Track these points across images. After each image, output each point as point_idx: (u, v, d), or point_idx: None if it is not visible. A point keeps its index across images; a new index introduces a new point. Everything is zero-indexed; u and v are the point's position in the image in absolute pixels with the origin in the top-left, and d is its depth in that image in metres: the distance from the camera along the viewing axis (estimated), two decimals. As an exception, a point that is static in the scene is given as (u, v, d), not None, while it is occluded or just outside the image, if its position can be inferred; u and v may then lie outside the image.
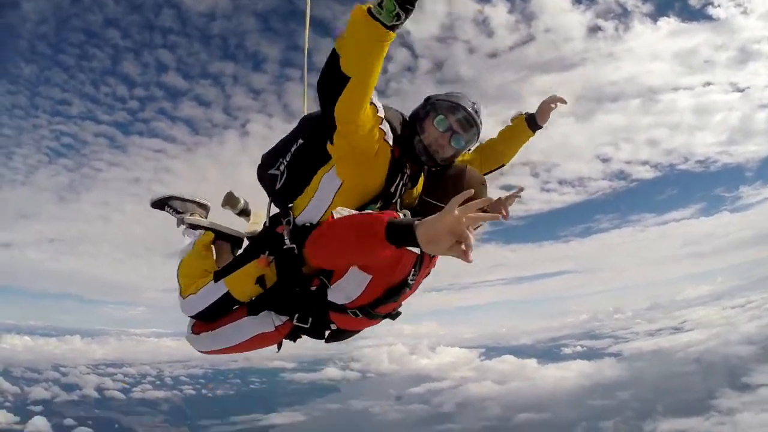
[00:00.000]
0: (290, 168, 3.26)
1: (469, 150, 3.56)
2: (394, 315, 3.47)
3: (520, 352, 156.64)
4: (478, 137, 3.28)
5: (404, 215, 2.86)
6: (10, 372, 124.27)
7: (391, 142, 3.03)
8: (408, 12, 2.41)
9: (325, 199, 3.04)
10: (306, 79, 3.99)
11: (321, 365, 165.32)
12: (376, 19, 2.40)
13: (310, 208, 3.13)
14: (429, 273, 3.41)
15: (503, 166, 4.02)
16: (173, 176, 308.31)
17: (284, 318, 3.29)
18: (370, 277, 2.96)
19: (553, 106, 3.83)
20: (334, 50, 2.57)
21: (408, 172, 3.20)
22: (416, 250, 2.55)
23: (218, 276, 3.31)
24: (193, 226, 4.03)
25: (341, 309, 3.17)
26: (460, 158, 3.52)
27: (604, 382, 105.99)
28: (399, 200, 3.21)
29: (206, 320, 3.46)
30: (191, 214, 4.16)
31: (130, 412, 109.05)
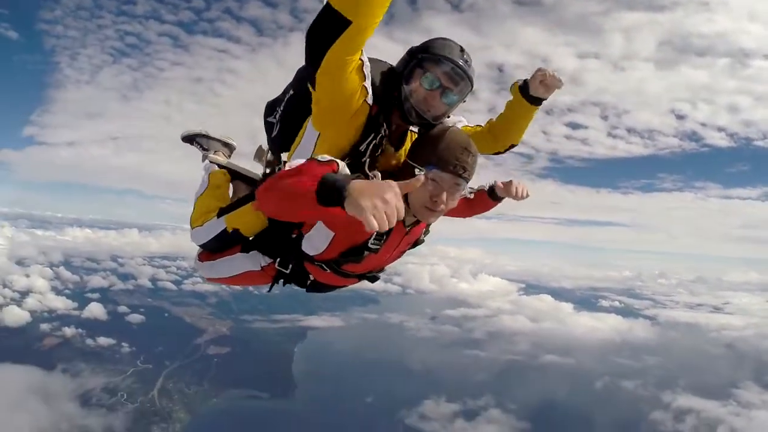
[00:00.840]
0: (283, 117, 3.38)
1: (464, 101, 3.11)
2: (370, 277, 3.53)
3: (558, 294, 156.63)
4: (471, 88, 2.99)
5: (374, 176, 2.77)
6: (71, 262, 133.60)
7: (370, 102, 2.89)
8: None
9: (308, 147, 3.04)
10: None
11: None
12: None
13: (295, 157, 3.15)
14: (410, 243, 3.40)
15: (514, 145, 3.71)
16: (235, 76, 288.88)
17: (269, 260, 3.47)
18: (333, 234, 2.97)
19: (542, 78, 3.25)
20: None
21: (386, 132, 3.02)
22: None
23: (221, 213, 3.56)
24: (214, 164, 4.18)
25: (312, 260, 3.22)
26: (471, 130, 3.62)
27: (634, 342, 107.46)
28: (369, 160, 3.01)
29: (209, 251, 3.74)
30: (215, 152, 4.38)
31: (180, 303, 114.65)
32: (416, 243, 3.52)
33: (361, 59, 2.72)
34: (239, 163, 4.31)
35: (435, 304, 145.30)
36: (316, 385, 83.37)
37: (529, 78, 3.32)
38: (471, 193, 3.88)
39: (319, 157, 2.49)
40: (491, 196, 3.80)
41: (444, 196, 2.75)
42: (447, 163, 2.74)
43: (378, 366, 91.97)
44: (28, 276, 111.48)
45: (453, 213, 3.50)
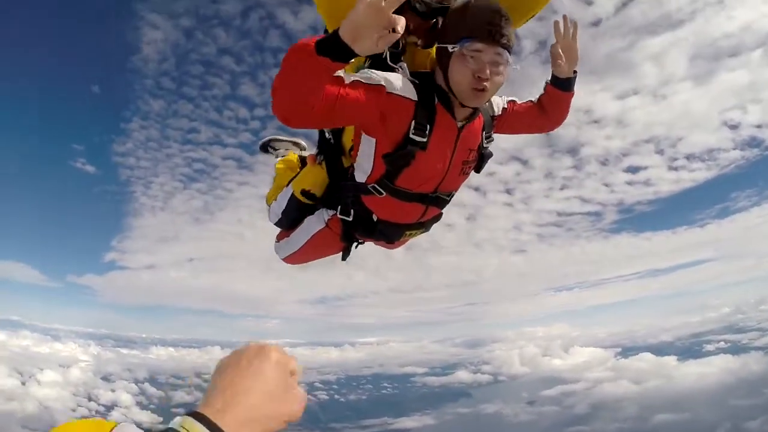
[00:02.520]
0: None
1: None
2: (435, 199, 3.12)
3: (658, 350, 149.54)
4: None
5: (399, 68, 2.83)
6: (156, 379, 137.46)
7: None
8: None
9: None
10: None
11: (452, 369, 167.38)
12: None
13: None
14: (482, 157, 3.13)
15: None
16: None
17: (331, 212, 3.34)
18: (374, 139, 2.80)
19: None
20: None
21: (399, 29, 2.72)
22: (405, 94, 2.64)
23: (289, 182, 3.59)
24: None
25: (368, 190, 3.02)
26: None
27: (750, 378, 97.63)
28: (388, 54, 2.86)
29: (284, 227, 3.74)
30: (286, 150, 4.60)
31: None
32: (482, 158, 3.15)
33: None
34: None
35: (530, 386, 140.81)
36: None
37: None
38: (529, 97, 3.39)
39: None
40: (559, 86, 3.16)
41: (487, 69, 2.54)
42: (480, 31, 2.52)
43: None
44: (113, 391, 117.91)
45: (527, 124, 3.38)
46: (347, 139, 3.14)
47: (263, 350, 1.37)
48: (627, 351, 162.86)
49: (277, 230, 3.89)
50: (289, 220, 3.61)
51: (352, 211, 3.15)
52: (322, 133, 3.33)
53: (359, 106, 2.51)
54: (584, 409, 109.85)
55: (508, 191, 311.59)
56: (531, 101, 3.33)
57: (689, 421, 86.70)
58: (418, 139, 2.72)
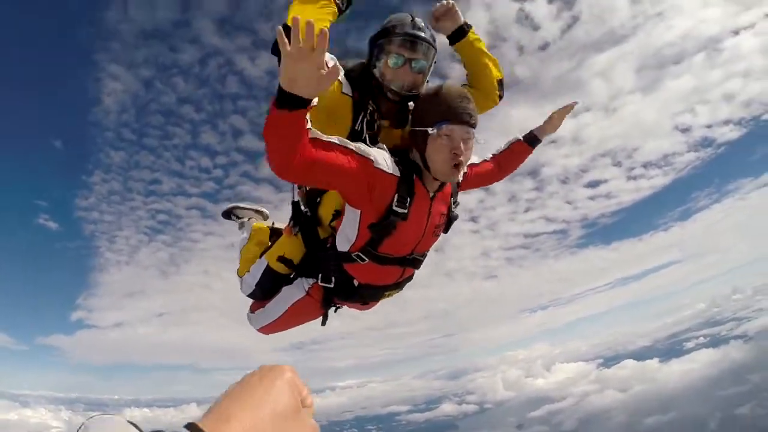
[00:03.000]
0: None
1: (435, 62, 3.21)
2: (412, 261, 3.31)
3: (639, 355, 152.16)
4: (434, 47, 3.09)
5: (380, 148, 2.93)
6: None
7: (349, 92, 3.04)
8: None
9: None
10: None
11: (435, 403, 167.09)
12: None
13: None
14: (450, 219, 3.34)
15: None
16: None
17: (311, 281, 3.42)
18: (359, 211, 2.96)
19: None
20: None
21: (373, 107, 3.14)
22: (389, 170, 2.83)
23: (262, 254, 3.64)
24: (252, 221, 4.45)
25: (350, 258, 3.18)
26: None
27: (733, 367, 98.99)
28: (367, 136, 3.10)
29: (259, 298, 3.72)
30: (249, 219, 4.61)
31: None
32: (450, 220, 3.42)
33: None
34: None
35: (517, 410, 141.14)
36: None
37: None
38: (498, 151, 3.81)
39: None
40: (530, 142, 3.77)
41: (461, 146, 2.86)
42: (453, 114, 2.87)
43: None
44: None
45: (484, 181, 3.72)
46: (324, 212, 3.26)
47: (277, 367, 1.17)
48: (609, 361, 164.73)
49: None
50: (263, 292, 3.65)
51: (333, 278, 3.34)
52: (296, 205, 3.41)
53: (349, 171, 2.74)
54: (573, 425, 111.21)
55: (473, 219, 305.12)
56: (487, 161, 3.68)
57: (679, 419, 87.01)
58: (400, 210, 2.96)
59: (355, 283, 3.39)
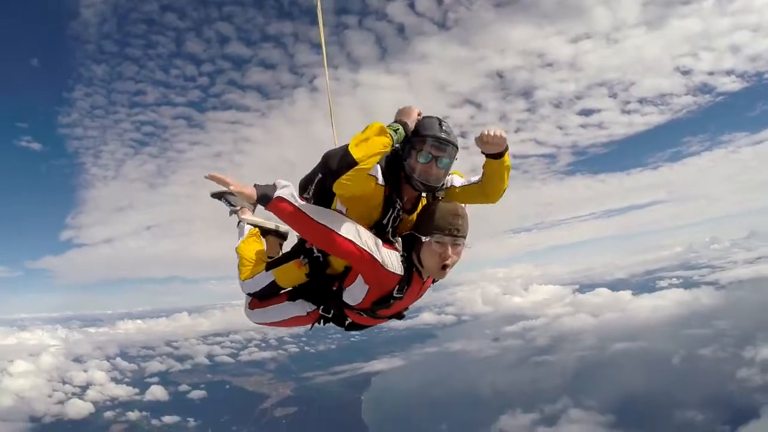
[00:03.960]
0: (315, 197, 3.96)
1: (456, 159, 3.76)
2: (399, 316, 4.18)
3: (614, 286, 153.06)
4: (456, 149, 3.68)
5: (396, 241, 3.66)
6: (127, 353, 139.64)
7: (382, 183, 3.61)
8: (406, 137, 3.56)
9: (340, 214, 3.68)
10: (331, 102, 4.79)
11: (416, 312, 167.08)
12: (389, 135, 3.41)
13: None
14: (427, 288, 4.04)
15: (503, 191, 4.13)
16: (251, 144, 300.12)
17: (313, 307, 4.10)
18: (368, 287, 3.65)
19: (485, 140, 3.65)
20: (346, 150, 3.37)
21: (400, 205, 3.76)
22: (395, 271, 3.51)
23: (269, 267, 4.22)
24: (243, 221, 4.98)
25: (351, 308, 3.88)
26: (464, 190, 4.07)
27: (701, 311, 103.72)
28: (391, 229, 3.79)
29: (259, 299, 4.36)
30: (241, 208, 5.03)
31: (239, 374, 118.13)
32: (400, 316, 4.19)
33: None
34: (266, 218, 4.99)
35: (493, 324, 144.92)
36: (388, 428, 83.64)
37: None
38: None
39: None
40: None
41: (449, 253, 3.47)
42: (443, 229, 3.44)
43: (447, 395, 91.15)
44: (86, 371, 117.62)
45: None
46: (336, 264, 3.91)
47: None
48: (584, 287, 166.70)
49: None
50: (265, 297, 4.33)
51: (332, 312, 4.07)
52: (303, 242, 4.11)
53: (365, 266, 3.50)
54: (546, 342, 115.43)
55: (462, 135, 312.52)
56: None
57: (645, 350, 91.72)
58: (398, 295, 3.69)
59: (348, 319, 4.10)
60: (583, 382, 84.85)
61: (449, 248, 3.49)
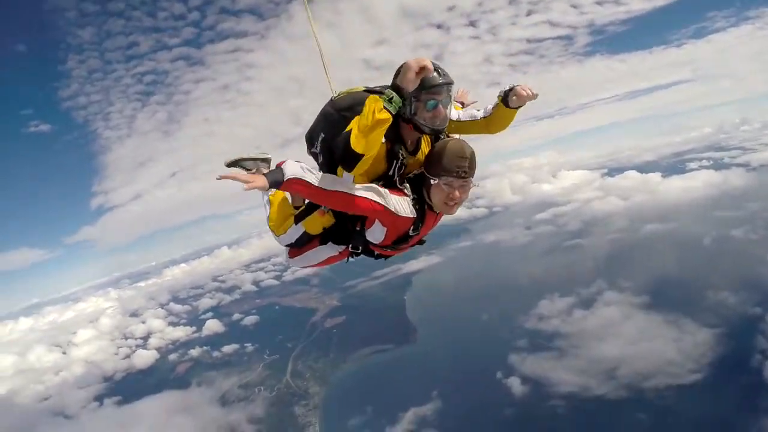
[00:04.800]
0: (322, 153, 4.13)
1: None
2: (420, 242, 4.48)
3: (643, 168, 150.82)
4: (453, 86, 3.83)
5: (404, 188, 3.95)
6: (178, 296, 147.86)
7: (382, 141, 3.74)
8: (403, 100, 3.51)
9: (348, 177, 3.87)
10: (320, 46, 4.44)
11: None
12: (388, 111, 3.44)
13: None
14: (442, 216, 4.25)
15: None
16: (256, 69, 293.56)
17: (343, 246, 4.50)
18: (386, 229, 4.00)
19: (525, 95, 4.00)
20: (348, 143, 3.52)
21: (404, 155, 3.96)
22: (408, 215, 3.88)
23: (297, 220, 4.59)
24: None
25: (375, 245, 4.27)
26: (467, 125, 4.42)
27: (732, 192, 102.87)
28: (398, 178, 3.98)
29: (295, 248, 4.77)
30: (257, 171, 5.15)
31: (286, 294, 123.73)
32: (421, 242, 4.60)
33: None
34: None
35: (524, 213, 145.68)
36: (433, 323, 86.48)
37: (508, 90, 4.11)
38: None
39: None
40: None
41: (456, 193, 3.81)
42: (451, 172, 3.74)
43: (486, 287, 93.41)
44: (144, 322, 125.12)
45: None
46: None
47: None
48: (613, 171, 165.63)
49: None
50: (299, 245, 4.72)
51: (360, 248, 4.42)
52: None
53: (381, 216, 3.90)
54: (578, 226, 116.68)
55: (473, 24, 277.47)
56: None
57: (677, 230, 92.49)
58: (414, 233, 4.10)
59: (375, 253, 4.51)
60: (617, 264, 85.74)
61: (457, 189, 3.80)
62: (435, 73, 3.67)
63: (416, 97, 3.70)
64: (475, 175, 3.92)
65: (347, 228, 4.40)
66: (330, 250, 4.62)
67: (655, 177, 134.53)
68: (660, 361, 58.52)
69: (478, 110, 4.47)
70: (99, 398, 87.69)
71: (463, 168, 3.74)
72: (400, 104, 3.49)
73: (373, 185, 3.87)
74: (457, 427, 59.88)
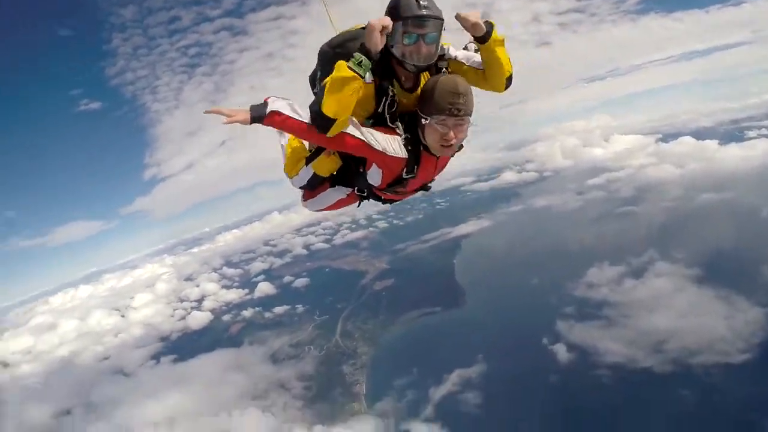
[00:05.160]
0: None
1: (444, 30, 3.70)
2: (425, 188, 4.54)
3: (699, 134, 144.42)
4: (441, 20, 3.58)
5: (396, 127, 3.85)
6: (231, 260, 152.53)
7: (370, 80, 3.58)
8: (374, 62, 3.44)
9: None
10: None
11: (497, 172, 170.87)
12: (355, 72, 3.38)
13: None
14: (447, 161, 4.23)
15: (509, 78, 4.04)
16: (299, 35, 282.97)
17: (350, 189, 4.54)
18: (381, 171, 4.00)
19: (464, 22, 3.66)
20: (320, 109, 3.48)
21: (392, 91, 3.83)
22: (398, 155, 3.82)
23: (307, 162, 4.60)
24: None
25: (377, 188, 4.27)
26: (469, 71, 4.03)
27: None
28: (388, 116, 3.85)
29: (308, 190, 4.80)
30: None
31: (336, 257, 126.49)
32: (426, 188, 4.59)
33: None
34: None
35: (575, 177, 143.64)
36: (482, 287, 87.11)
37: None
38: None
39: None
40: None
41: (451, 133, 3.62)
42: (443, 110, 3.54)
43: (535, 252, 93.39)
44: (198, 286, 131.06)
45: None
46: None
47: None
48: (667, 137, 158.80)
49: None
50: (311, 187, 4.69)
51: (365, 191, 4.46)
52: None
53: (370, 156, 3.86)
54: (630, 193, 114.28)
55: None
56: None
57: (733, 201, 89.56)
58: (408, 176, 3.97)
59: (382, 197, 4.55)
60: (670, 234, 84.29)
61: (452, 128, 3.60)
62: (416, 3, 3.54)
63: (395, 29, 3.58)
64: (473, 113, 3.75)
65: (352, 171, 4.43)
66: (338, 192, 4.69)
67: (711, 144, 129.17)
68: (709, 337, 58.01)
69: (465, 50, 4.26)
70: (156, 357, 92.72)
71: (457, 105, 3.56)
72: (370, 67, 3.46)
73: (356, 121, 3.80)
74: (501, 390, 61.00)
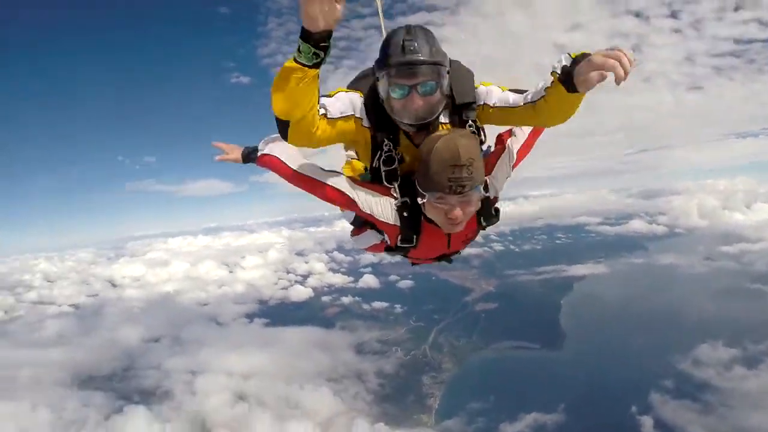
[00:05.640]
0: None
1: (448, 73, 2.95)
2: (445, 259, 4.05)
3: None
4: (438, 62, 2.84)
5: (392, 187, 3.19)
6: (343, 246, 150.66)
7: (366, 125, 3.07)
8: (325, 50, 2.40)
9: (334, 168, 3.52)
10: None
11: (626, 218, 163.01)
12: (300, 63, 2.43)
13: None
14: (473, 229, 3.57)
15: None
16: (445, 45, 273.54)
17: (381, 236, 3.69)
18: (384, 236, 3.61)
19: (600, 77, 2.37)
20: (273, 111, 2.66)
21: (389, 147, 3.14)
22: (390, 221, 3.28)
23: None
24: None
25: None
26: (514, 113, 3.10)
27: None
28: (384, 173, 3.17)
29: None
30: None
31: (446, 268, 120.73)
32: (487, 221, 3.58)
33: (323, 114, 2.89)
34: None
35: (708, 241, 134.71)
36: (584, 335, 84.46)
37: (573, 61, 2.56)
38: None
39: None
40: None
41: (457, 211, 2.90)
42: (443, 187, 2.81)
43: (648, 311, 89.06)
44: (307, 262, 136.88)
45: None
46: None
47: None
48: None
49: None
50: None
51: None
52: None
53: (358, 212, 3.40)
54: (765, 269, 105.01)
55: (674, 14, 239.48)
56: (526, 134, 3.67)
57: None
58: (407, 245, 3.38)
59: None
60: None
61: (456, 205, 2.90)
62: (401, 47, 2.83)
63: (380, 80, 2.96)
64: (498, 184, 3.40)
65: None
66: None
67: None
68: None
69: (529, 92, 3.03)
70: (250, 316, 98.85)
71: (460, 181, 2.82)
72: (311, 53, 2.41)
73: (343, 174, 3.43)
74: (573, 447, 59.14)
